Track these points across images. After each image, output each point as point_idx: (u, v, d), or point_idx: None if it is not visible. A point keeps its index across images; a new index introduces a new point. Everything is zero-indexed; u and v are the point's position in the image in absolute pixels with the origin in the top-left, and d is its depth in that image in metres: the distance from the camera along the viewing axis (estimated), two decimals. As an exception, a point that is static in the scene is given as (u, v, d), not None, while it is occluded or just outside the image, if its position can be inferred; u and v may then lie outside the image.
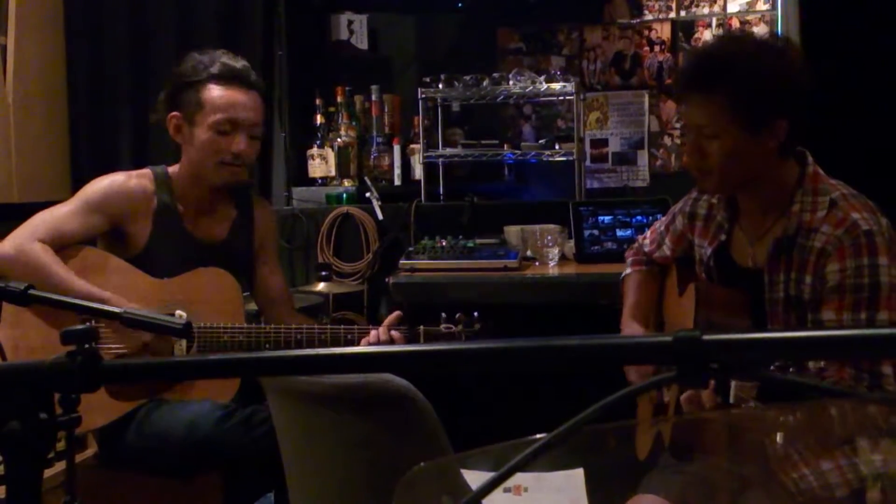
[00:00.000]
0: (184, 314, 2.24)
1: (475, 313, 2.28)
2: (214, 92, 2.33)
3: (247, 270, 2.54)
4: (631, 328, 2.11)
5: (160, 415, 2.25)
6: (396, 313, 2.28)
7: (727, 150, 1.79)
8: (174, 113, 2.36)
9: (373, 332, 2.23)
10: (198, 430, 2.19)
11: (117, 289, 2.24)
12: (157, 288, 2.30)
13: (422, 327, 2.26)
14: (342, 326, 2.31)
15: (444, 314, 2.27)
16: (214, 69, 2.34)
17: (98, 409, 2.19)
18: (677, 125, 3.83)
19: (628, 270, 2.26)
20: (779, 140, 1.79)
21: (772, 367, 1.36)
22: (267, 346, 2.25)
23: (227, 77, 2.34)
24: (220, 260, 2.38)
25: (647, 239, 2.26)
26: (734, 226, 1.98)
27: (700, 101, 1.80)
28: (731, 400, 1.49)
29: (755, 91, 1.75)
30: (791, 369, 1.49)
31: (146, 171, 2.41)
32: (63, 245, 2.28)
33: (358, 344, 2.24)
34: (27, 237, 2.23)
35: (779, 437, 1.13)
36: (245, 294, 2.74)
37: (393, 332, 2.23)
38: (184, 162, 2.41)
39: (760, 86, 1.75)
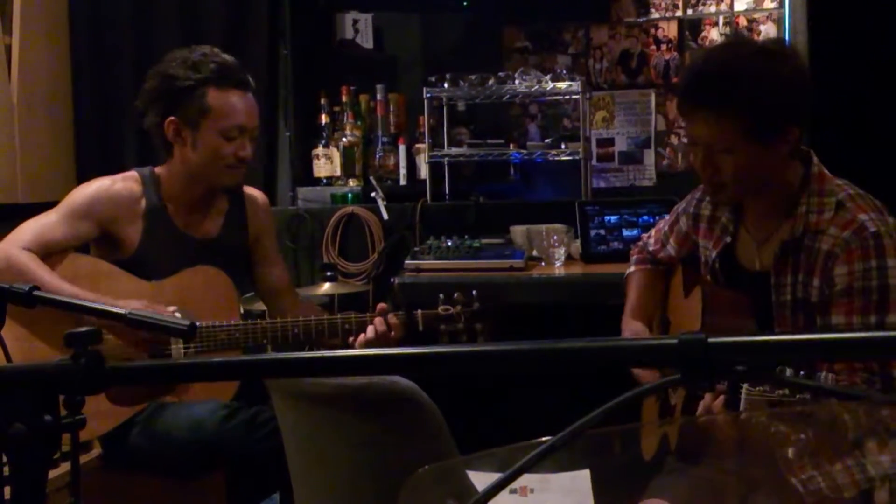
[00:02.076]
0: (179, 315, 2.22)
1: (473, 292, 2.25)
2: (218, 97, 2.30)
3: (244, 264, 2.52)
4: (632, 327, 2.10)
5: (164, 415, 2.24)
6: (381, 305, 2.26)
7: (741, 164, 1.75)
8: (171, 118, 2.31)
9: (369, 329, 2.20)
10: (202, 430, 2.19)
11: (109, 294, 2.21)
12: (150, 290, 2.28)
13: (419, 311, 2.24)
14: (339, 316, 2.27)
15: (441, 295, 2.25)
16: (211, 71, 2.30)
17: (99, 415, 2.17)
18: (683, 124, 3.82)
19: (632, 268, 2.24)
20: (790, 145, 1.77)
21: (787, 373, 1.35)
22: (265, 341, 2.23)
23: (227, 79, 2.31)
24: (214, 256, 2.36)
25: (651, 238, 2.24)
26: (739, 228, 1.95)
27: (709, 119, 1.74)
28: (742, 407, 1.48)
29: (766, 104, 1.71)
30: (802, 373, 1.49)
31: (132, 173, 2.39)
32: (50, 253, 2.25)
33: (356, 334, 2.23)
34: (13, 246, 2.21)
35: (786, 439, 1.13)
36: (249, 295, 2.75)
37: (390, 318, 2.20)
38: (178, 163, 2.37)
39: (770, 98, 1.71)
